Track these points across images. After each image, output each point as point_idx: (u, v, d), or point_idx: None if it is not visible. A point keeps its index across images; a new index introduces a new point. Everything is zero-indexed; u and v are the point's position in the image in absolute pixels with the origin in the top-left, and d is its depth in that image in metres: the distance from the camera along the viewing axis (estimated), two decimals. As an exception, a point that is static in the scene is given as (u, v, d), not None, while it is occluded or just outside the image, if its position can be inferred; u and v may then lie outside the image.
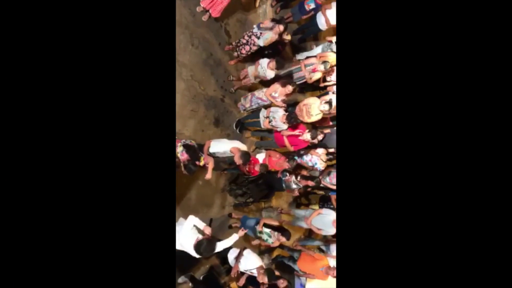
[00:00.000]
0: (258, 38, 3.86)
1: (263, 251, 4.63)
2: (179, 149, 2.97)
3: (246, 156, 3.22)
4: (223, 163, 4.09)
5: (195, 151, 3.00)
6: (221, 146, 3.31)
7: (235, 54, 4.28)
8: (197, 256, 2.72)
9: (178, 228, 2.83)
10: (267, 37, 3.83)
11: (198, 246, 2.67)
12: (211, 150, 3.27)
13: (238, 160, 3.24)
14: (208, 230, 2.87)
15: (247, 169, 3.71)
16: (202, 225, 2.90)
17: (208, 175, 3.14)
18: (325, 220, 3.86)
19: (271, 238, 3.51)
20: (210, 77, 4.34)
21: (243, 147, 3.44)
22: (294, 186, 4.07)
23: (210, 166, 3.11)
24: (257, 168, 3.65)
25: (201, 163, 3.04)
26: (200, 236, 2.77)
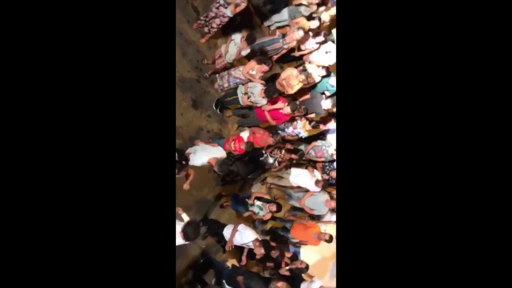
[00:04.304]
0: (226, 8, 3.69)
1: (256, 225, 4.74)
2: None
3: (223, 166, 3.24)
4: None
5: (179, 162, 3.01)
6: (199, 159, 3.30)
7: (206, 29, 4.10)
8: (186, 242, 2.75)
9: None
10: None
11: (185, 234, 2.69)
12: (190, 163, 3.26)
13: (216, 170, 3.26)
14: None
15: (233, 148, 3.70)
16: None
17: (186, 186, 3.18)
18: (318, 201, 4.00)
19: (263, 210, 3.61)
20: (182, 58, 4.18)
21: (221, 155, 3.45)
22: (270, 160, 4.12)
23: (190, 177, 3.17)
24: (242, 147, 3.65)
25: (184, 174, 3.09)
26: (182, 223, 2.79)
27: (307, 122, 4.15)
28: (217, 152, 3.49)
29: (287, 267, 3.67)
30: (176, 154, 3.06)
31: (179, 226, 2.74)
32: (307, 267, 3.72)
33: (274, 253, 3.51)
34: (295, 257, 3.97)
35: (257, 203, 3.65)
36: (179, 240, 2.73)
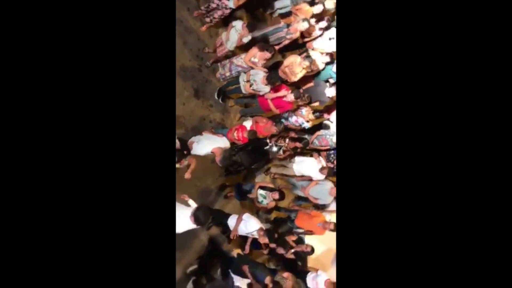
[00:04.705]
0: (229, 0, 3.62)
1: (260, 215, 4.72)
2: None
3: (226, 160, 3.23)
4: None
5: (180, 151, 2.99)
6: (203, 149, 3.26)
7: (207, 20, 4.03)
8: (197, 226, 2.74)
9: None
10: (236, -3, 3.60)
11: (196, 218, 2.67)
12: (193, 152, 3.24)
13: (218, 161, 3.23)
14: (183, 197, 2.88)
15: (236, 137, 3.66)
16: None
17: (187, 175, 3.14)
18: (322, 190, 3.95)
19: (266, 199, 3.58)
20: (183, 47, 4.11)
21: (226, 145, 3.41)
22: (274, 149, 4.07)
23: (192, 166, 3.12)
24: (245, 135, 3.60)
25: (185, 164, 3.06)
26: (192, 208, 2.78)
27: (311, 112, 4.09)
28: (221, 142, 3.45)
29: (292, 250, 3.65)
30: (179, 143, 3.03)
31: (187, 212, 2.73)
32: (312, 250, 3.70)
33: (279, 250, 3.51)
34: (300, 240, 3.94)
35: (261, 191, 3.62)
36: (189, 225, 2.72)
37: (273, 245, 3.33)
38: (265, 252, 3.56)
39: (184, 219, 2.72)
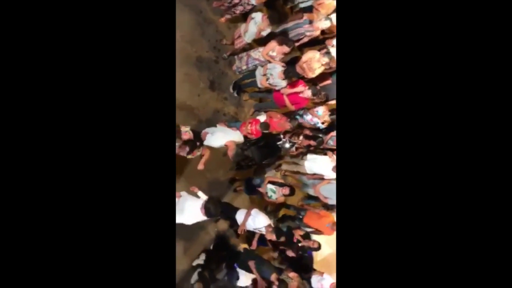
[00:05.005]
0: None
1: (269, 211, 4.69)
2: (186, 129, 2.96)
3: (237, 155, 3.26)
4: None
5: (193, 141, 3.00)
6: (216, 140, 3.24)
7: (228, 17, 3.99)
8: (207, 218, 2.73)
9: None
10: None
11: (207, 210, 2.66)
12: (206, 143, 3.23)
13: (230, 155, 3.22)
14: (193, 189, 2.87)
15: (249, 130, 3.62)
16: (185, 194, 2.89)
17: (201, 166, 3.12)
18: (333, 189, 3.87)
19: (275, 194, 3.53)
20: (201, 38, 4.08)
21: (239, 139, 3.40)
22: (287, 145, 4.00)
23: (205, 157, 3.11)
24: (258, 128, 3.56)
25: (198, 154, 3.06)
26: (202, 200, 2.76)
27: (328, 114, 3.99)
28: (235, 136, 3.43)
29: (299, 245, 3.60)
30: (192, 134, 3.02)
31: (197, 204, 2.71)
32: (319, 246, 3.64)
33: (289, 253, 3.46)
34: (307, 235, 3.88)
35: (270, 186, 3.58)
36: (199, 217, 2.71)
37: (281, 245, 3.29)
38: (271, 250, 3.53)
39: (194, 211, 2.71)
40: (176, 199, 2.87)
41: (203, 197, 2.82)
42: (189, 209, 2.72)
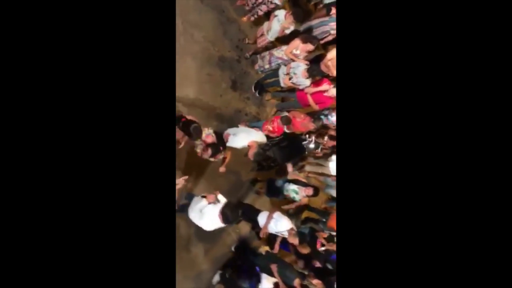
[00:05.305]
0: None
1: (291, 214, 4.59)
2: (210, 131, 2.96)
3: (259, 155, 3.23)
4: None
5: (216, 145, 3.01)
6: (239, 141, 3.25)
7: (252, 18, 3.94)
8: (225, 225, 2.68)
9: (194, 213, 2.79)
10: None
11: (224, 215, 2.61)
12: (229, 145, 3.25)
13: (251, 155, 3.22)
14: (211, 198, 2.80)
15: (271, 128, 3.55)
16: (204, 203, 2.83)
17: (222, 169, 3.15)
18: None
19: (298, 194, 3.42)
20: (223, 37, 4.05)
21: (261, 139, 3.38)
22: (312, 145, 3.88)
23: (227, 160, 3.14)
24: (279, 122, 3.48)
25: (221, 157, 3.10)
26: (220, 207, 2.71)
27: None
28: (258, 136, 3.39)
29: (323, 248, 3.47)
30: (214, 137, 2.98)
31: (216, 209, 2.67)
32: None
33: (315, 263, 3.34)
34: (331, 238, 3.74)
35: (293, 186, 3.46)
36: (217, 223, 2.68)
37: (306, 256, 3.19)
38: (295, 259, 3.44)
39: (212, 217, 2.68)
40: (198, 200, 2.86)
41: (223, 200, 2.78)
42: (208, 215, 2.69)
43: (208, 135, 2.95)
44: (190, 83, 3.71)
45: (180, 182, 2.69)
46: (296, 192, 3.50)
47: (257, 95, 4.34)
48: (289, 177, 3.60)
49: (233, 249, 3.90)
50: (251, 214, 3.57)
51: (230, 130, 3.35)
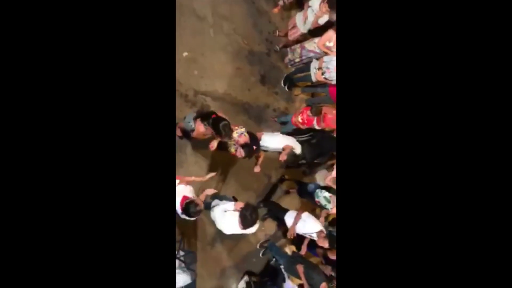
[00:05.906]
0: None
1: (318, 215, 4.44)
2: (242, 130, 2.89)
3: (292, 158, 3.22)
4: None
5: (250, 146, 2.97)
6: (274, 142, 3.27)
7: (281, 2, 3.78)
8: (244, 229, 2.62)
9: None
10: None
11: (243, 218, 2.54)
12: (262, 143, 3.22)
13: (282, 157, 3.20)
14: (239, 206, 2.70)
15: (300, 120, 3.42)
16: (231, 207, 2.75)
17: (257, 169, 3.16)
18: None
19: (330, 203, 3.24)
20: (253, 30, 3.93)
21: (297, 147, 3.35)
22: None
23: (260, 159, 3.14)
24: (309, 114, 3.42)
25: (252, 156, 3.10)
26: (237, 213, 2.63)
27: None
28: (293, 141, 3.38)
29: None
30: (248, 136, 2.90)
31: (236, 214, 2.61)
32: None
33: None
34: None
35: (325, 194, 3.28)
36: (236, 229, 2.62)
37: (334, 256, 3.04)
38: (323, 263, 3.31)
39: (232, 221, 2.63)
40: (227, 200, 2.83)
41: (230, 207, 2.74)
42: (230, 218, 2.63)
43: (241, 134, 2.86)
44: (219, 77, 3.64)
45: (205, 178, 2.73)
46: (328, 201, 3.30)
47: (286, 89, 4.20)
48: (321, 182, 3.44)
49: (261, 255, 3.81)
50: (277, 213, 3.47)
51: (266, 134, 3.34)
